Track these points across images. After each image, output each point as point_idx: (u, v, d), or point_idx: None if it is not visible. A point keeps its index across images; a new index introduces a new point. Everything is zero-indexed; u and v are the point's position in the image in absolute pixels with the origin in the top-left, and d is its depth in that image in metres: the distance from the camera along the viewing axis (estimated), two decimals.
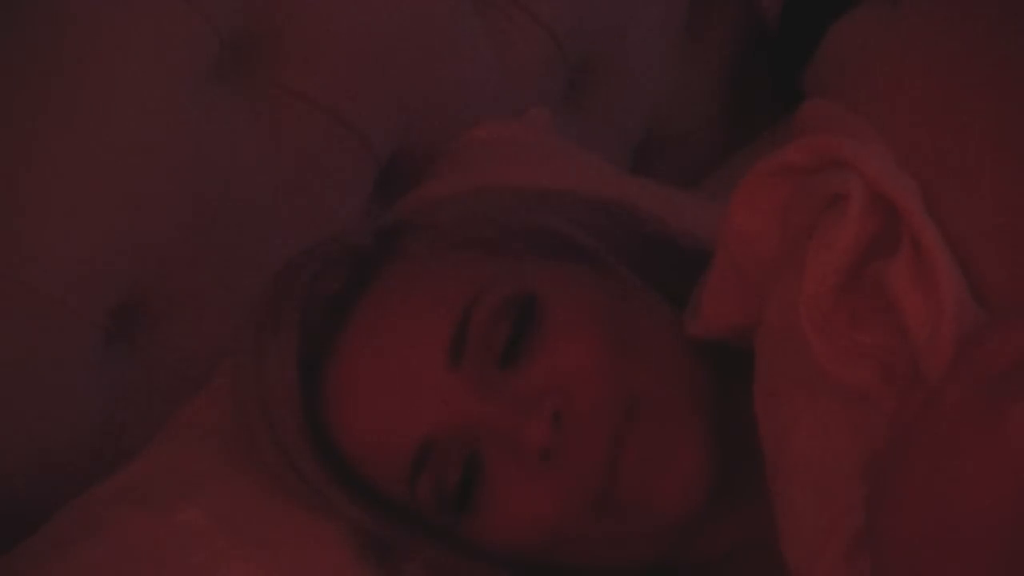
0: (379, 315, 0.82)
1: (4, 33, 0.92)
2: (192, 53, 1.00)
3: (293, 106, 1.07)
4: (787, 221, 0.73)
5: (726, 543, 0.83)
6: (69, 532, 0.84)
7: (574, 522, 0.78)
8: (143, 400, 0.97)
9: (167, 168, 0.97)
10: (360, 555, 0.83)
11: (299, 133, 1.07)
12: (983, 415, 0.60)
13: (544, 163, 1.09)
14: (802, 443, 0.70)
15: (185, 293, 0.99)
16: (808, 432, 0.70)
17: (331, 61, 1.08)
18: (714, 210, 0.81)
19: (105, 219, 0.94)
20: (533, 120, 1.17)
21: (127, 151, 0.95)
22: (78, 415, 0.94)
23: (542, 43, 1.25)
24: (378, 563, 0.83)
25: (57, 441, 0.93)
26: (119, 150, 0.95)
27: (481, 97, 1.19)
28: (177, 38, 0.98)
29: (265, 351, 0.83)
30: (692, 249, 0.88)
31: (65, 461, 0.92)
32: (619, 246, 0.87)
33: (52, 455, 0.92)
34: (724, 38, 1.47)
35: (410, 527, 0.83)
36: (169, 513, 0.84)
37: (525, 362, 0.79)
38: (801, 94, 0.81)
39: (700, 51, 1.44)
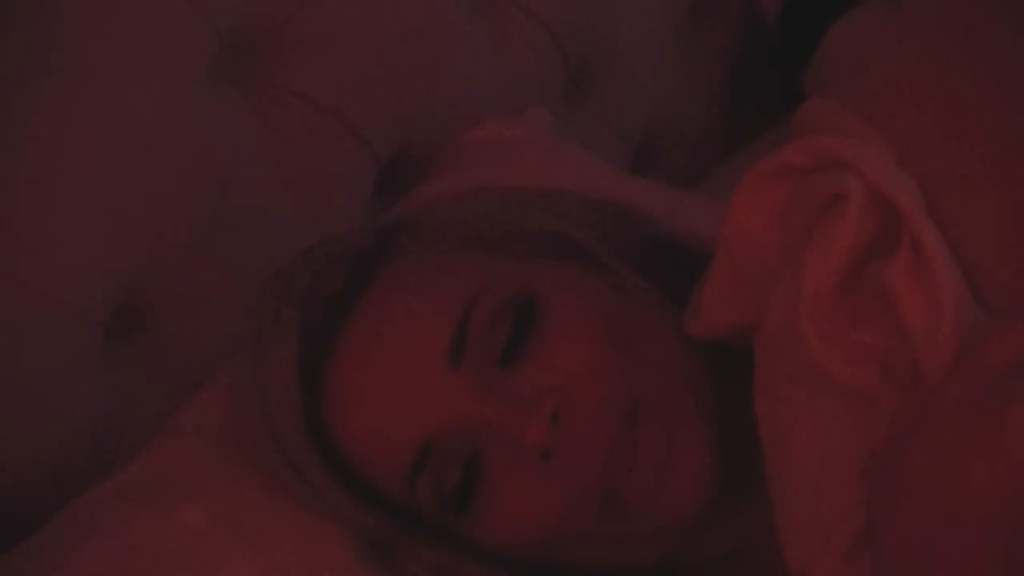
0: (379, 315, 0.82)
1: (3, 33, 0.92)
2: (192, 53, 0.99)
3: (293, 106, 1.07)
4: (787, 221, 0.73)
5: (726, 543, 0.83)
6: (69, 532, 0.84)
7: (574, 522, 0.78)
8: (143, 400, 0.97)
9: (167, 168, 0.97)
10: (360, 555, 0.83)
11: (299, 133, 1.07)
12: (982, 415, 0.60)
13: (544, 163, 1.09)
14: (802, 443, 0.70)
15: (185, 293, 0.99)
16: (808, 432, 0.70)
17: (331, 61, 1.08)
18: (714, 210, 0.81)
19: (105, 219, 0.94)
20: (533, 120, 1.17)
21: (127, 151, 0.95)
22: (78, 415, 0.94)
23: (542, 43, 1.25)
24: (378, 563, 0.83)
25: (57, 441, 0.92)
26: (119, 150, 0.95)
27: (481, 97, 1.19)
28: (177, 38, 0.98)
29: (265, 351, 0.83)
30: (692, 249, 0.88)
31: (65, 461, 0.92)
32: (619, 246, 0.87)
33: (52, 455, 0.92)
34: (724, 38, 1.46)
35: (410, 527, 0.83)
36: (170, 512, 0.84)
37: (525, 362, 0.79)
38: (801, 94, 0.81)
39: (700, 51, 1.44)
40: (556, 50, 1.26)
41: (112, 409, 0.96)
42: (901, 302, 0.65)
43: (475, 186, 0.96)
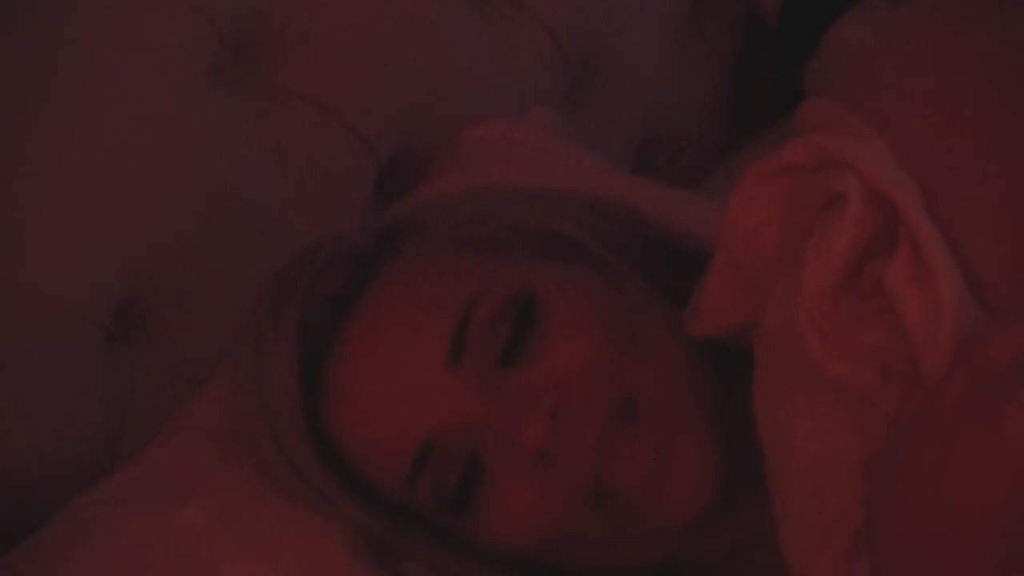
0: (379, 315, 0.82)
1: (3, 33, 0.92)
2: (192, 53, 1.00)
3: (293, 106, 1.07)
4: (786, 220, 0.73)
5: (726, 543, 0.83)
6: (69, 532, 0.84)
7: (572, 522, 0.78)
8: (143, 400, 0.97)
9: (167, 168, 0.97)
10: (360, 555, 0.83)
11: (299, 133, 1.07)
12: (981, 415, 0.60)
13: (544, 163, 1.09)
14: (801, 443, 0.70)
15: (185, 293, 0.99)
16: (807, 432, 0.70)
17: (331, 61, 1.08)
18: (714, 210, 0.81)
19: (105, 219, 0.94)
20: (533, 120, 1.17)
21: (127, 151, 0.95)
22: (78, 415, 0.94)
23: (542, 43, 1.25)
24: (378, 563, 0.83)
25: (57, 441, 0.93)
26: (119, 150, 0.95)
27: (481, 97, 1.19)
28: (177, 38, 0.99)
29: (265, 351, 0.83)
30: (692, 249, 0.88)
31: (65, 461, 0.92)
32: (619, 246, 0.87)
33: (52, 455, 0.92)
34: (724, 38, 1.46)
35: (410, 527, 0.83)
36: (169, 513, 0.84)
37: (525, 362, 0.79)
38: (801, 94, 0.81)
39: (700, 51, 1.44)
40: (556, 50, 1.26)
41: (112, 409, 0.96)
42: (900, 302, 0.65)
43: (475, 186, 0.96)
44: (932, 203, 0.67)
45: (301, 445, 0.82)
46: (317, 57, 1.08)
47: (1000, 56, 0.71)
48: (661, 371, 0.80)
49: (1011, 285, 0.66)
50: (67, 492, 0.88)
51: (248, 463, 0.85)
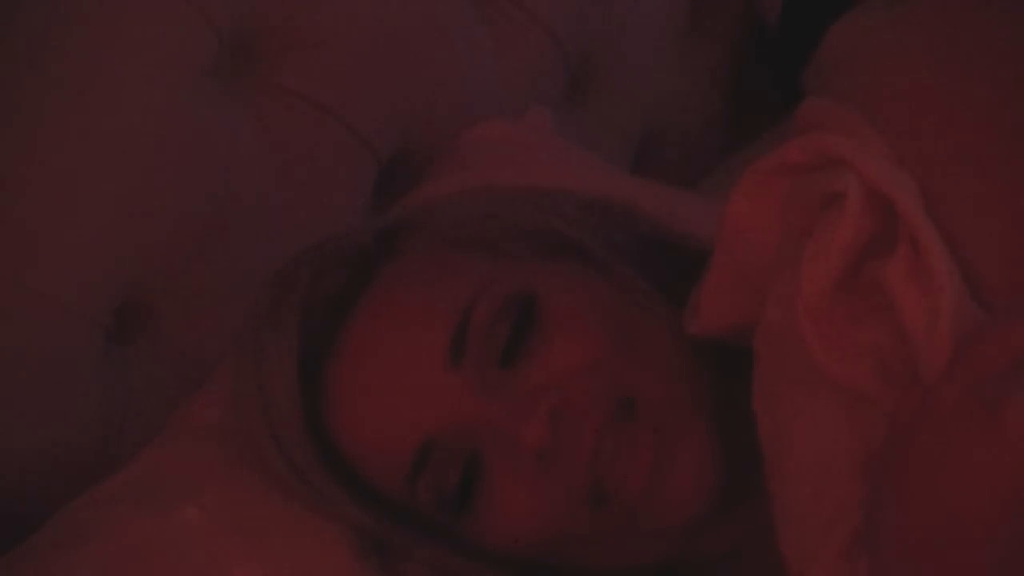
0: (379, 315, 0.82)
1: (4, 33, 0.92)
2: (192, 53, 1.00)
3: (293, 106, 1.07)
4: (786, 219, 0.72)
5: (726, 543, 0.83)
6: (69, 532, 0.84)
7: (572, 522, 0.78)
8: (143, 400, 0.98)
9: (167, 168, 0.97)
10: (360, 555, 0.83)
11: (299, 133, 1.07)
12: (980, 414, 0.60)
13: (544, 163, 1.09)
14: (801, 442, 0.70)
15: (185, 293, 0.99)
16: (806, 431, 0.70)
17: (331, 61, 1.08)
18: (714, 210, 0.81)
19: (106, 219, 0.95)
20: (533, 120, 1.17)
21: (127, 151, 0.95)
22: (78, 415, 0.94)
23: (542, 43, 1.25)
24: (378, 563, 0.83)
25: (57, 441, 0.93)
26: (119, 150, 0.95)
27: (481, 97, 1.19)
28: (177, 38, 0.99)
29: (265, 351, 0.83)
30: (692, 249, 0.88)
31: (65, 461, 0.92)
32: (619, 246, 0.87)
33: (52, 455, 0.92)
34: (724, 38, 1.47)
35: (410, 527, 0.83)
36: (169, 513, 0.84)
37: (525, 362, 0.79)
38: (801, 94, 0.81)
39: (700, 51, 1.44)
40: (556, 50, 1.26)
41: (112, 409, 0.96)
42: (899, 301, 0.65)
43: (475, 186, 0.96)
44: (932, 203, 0.67)
45: (301, 445, 0.82)
46: (317, 57, 1.08)
47: (999, 55, 0.71)
48: (661, 371, 0.80)
49: (1011, 285, 0.66)
50: (67, 492, 0.88)
51: (248, 463, 0.85)
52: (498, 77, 1.21)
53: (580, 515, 0.78)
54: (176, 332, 1.00)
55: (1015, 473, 0.59)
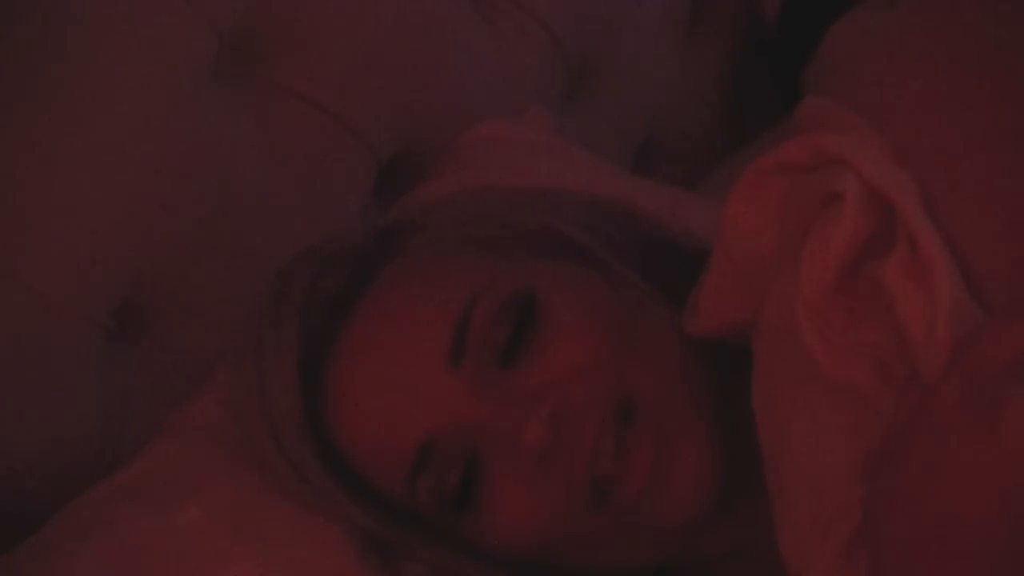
0: (379, 315, 0.82)
1: (3, 33, 0.92)
2: (192, 53, 1.00)
3: (293, 106, 1.07)
4: (784, 219, 0.73)
5: (725, 542, 0.83)
6: (69, 532, 0.84)
7: (572, 523, 0.78)
8: (143, 400, 0.97)
9: (167, 168, 0.97)
10: (360, 555, 0.83)
11: (299, 133, 1.07)
12: (979, 414, 0.60)
13: (544, 163, 1.09)
14: (800, 442, 0.70)
15: (185, 293, 0.99)
16: (805, 431, 0.70)
17: (331, 61, 1.08)
18: (713, 210, 0.81)
19: (105, 219, 0.94)
20: (533, 120, 1.17)
21: (127, 151, 0.95)
22: (78, 415, 0.94)
23: (542, 43, 1.25)
24: (378, 563, 0.83)
25: (57, 441, 0.92)
26: (119, 150, 0.95)
27: (481, 97, 1.19)
28: (177, 38, 0.99)
29: (265, 351, 0.83)
30: (692, 249, 0.88)
31: (65, 461, 0.92)
32: (619, 246, 0.87)
33: (52, 455, 0.92)
34: (724, 38, 1.47)
35: (410, 527, 0.83)
36: (169, 513, 0.84)
37: (525, 362, 0.79)
38: (801, 94, 0.81)
39: (700, 51, 1.44)
40: (556, 50, 1.26)
41: (112, 409, 0.96)
42: (898, 300, 0.65)
43: (475, 186, 0.96)
44: (931, 202, 0.67)
45: (301, 445, 0.82)
46: (317, 57, 1.08)
47: (1000, 55, 0.71)
48: (660, 371, 0.80)
49: (1010, 285, 0.66)
50: (67, 492, 0.88)
51: (248, 463, 0.85)
52: (498, 77, 1.21)
53: (580, 515, 0.78)
54: (176, 332, 1.00)
55: (1014, 473, 0.59)
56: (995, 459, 0.59)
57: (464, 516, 0.80)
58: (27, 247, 0.91)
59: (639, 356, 0.79)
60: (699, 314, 0.80)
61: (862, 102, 0.74)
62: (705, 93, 1.45)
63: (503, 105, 1.19)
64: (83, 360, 0.94)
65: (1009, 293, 0.66)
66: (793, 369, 0.70)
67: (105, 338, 0.95)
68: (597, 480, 0.77)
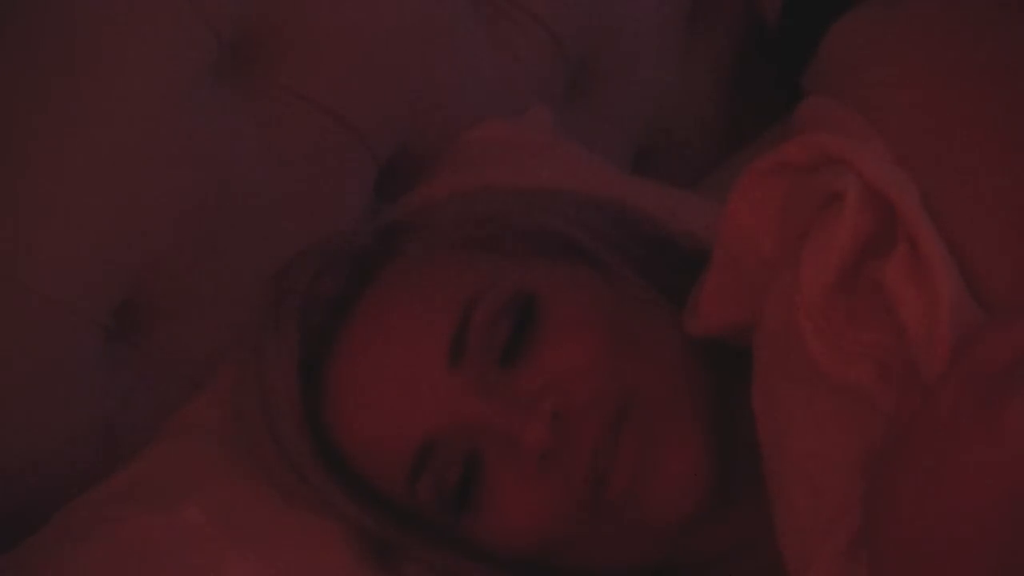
0: (379, 315, 0.82)
1: (3, 33, 0.92)
2: (192, 53, 0.99)
3: (293, 106, 1.07)
4: (784, 219, 0.73)
5: (725, 542, 0.83)
6: (69, 532, 0.84)
7: (571, 523, 0.78)
8: (143, 400, 0.97)
9: (167, 168, 0.97)
10: (360, 555, 0.83)
11: (299, 133, 1.07)
12: (979, 414, 0.60)
13: (544, 163, 1.09)
14: (800, 442, 0.70)
15: (185, 293, 0.99)
16: (806, 431, 0.70)
17: (331, 61, 1.08)
18: (714, 210, 0.81)
19: (105, 219, 0.94)
20: (533, 119, 1.17)
21: (127, 151, 0.95)
22: (78, 415, 0.94)
23: (542, 43, 1.25)
24: (378, 563, 0.83)
25: (57, 441, 0.92)
26: (119, 150, 0.95)
27: (481, 97, 1.19)
28: (177, 38, 0.98)
29: (265, 351, 0.83)
30: (692, 249, 0.88)
31: (65, 461, 0.92)
32: (619, 246, 0.87)
33: (52, 455, 0.92)
34: (724, 38, 1.46)
35: (410, 527, 0.83)
36: (169, 513, 0.84)
37: (525, 362, 0.79)
38: (801, 94, 0.81)
39: (700, 51, 1.44)
40: (556, 50, 1.26)
41: (112, 409, 0.96)
42: (898, 301, 0.65)
43: (475, 186, 0.96)
44: (931, 202, 0.68)
45: (301, 445, 0.82)
46: (317, 57, 1.07)
47: (1000, 55, 0.71)
48: (659, 370, 0.80)
49: (1010, 285, 0.66)
50: (67, 492, 0.88)
51: (248, 463, 0.85)
52: (498, 77, 1.21)
53: (580, 515, 0.78)
54: (176, 332, 0.99)
55: (1014, 473, 0.59)
56: (996, 459, 0.59)
57: (464, 516, 0.80)
58: (27, 247, 0.91)
59: (639, 356, 0.79)
60: (699, 314, 0.80)
61: (862, 102, 0.74)
62: (705, 93, 1.45)
63: (503, 105, 1.19)
64: (83, 360, 0.94)
65: (1010, 293, 0.66)
66: (793, 369, 0.70)
67: (105, 338, 0.95)
68: (597, 480, 0.77)
